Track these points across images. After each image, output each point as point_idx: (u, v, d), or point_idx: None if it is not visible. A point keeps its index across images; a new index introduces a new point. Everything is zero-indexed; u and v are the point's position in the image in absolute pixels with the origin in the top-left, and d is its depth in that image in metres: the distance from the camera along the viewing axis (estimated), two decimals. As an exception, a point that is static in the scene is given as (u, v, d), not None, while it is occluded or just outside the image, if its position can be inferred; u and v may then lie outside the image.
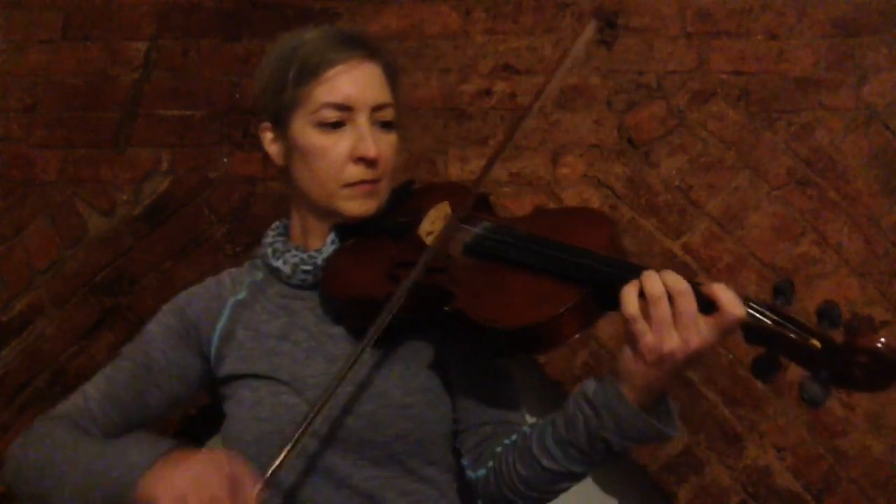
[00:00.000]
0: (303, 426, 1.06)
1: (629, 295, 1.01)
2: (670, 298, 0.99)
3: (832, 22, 2.01)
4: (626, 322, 1.01)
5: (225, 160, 2.23)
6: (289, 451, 1.06)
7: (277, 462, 1.05)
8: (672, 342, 0.99)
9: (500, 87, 2.12)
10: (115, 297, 2.23)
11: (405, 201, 1.32)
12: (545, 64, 2.12)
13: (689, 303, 0.98)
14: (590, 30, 1.23)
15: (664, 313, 0.99)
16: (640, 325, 1.00)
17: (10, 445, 1.23)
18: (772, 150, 2.01)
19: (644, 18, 2.09)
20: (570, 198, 2.06)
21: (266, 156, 1.30)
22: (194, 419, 2.13)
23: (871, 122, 1.98)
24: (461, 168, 2.10)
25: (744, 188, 2.02)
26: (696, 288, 0.99)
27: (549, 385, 2.05)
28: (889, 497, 1.91)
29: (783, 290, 0.98)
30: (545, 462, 1.11)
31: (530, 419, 1.25)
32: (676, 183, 2.05)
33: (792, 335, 0.94)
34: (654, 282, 1.00)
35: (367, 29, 2.17)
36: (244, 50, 2.24)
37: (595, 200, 2.07)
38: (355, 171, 1.22)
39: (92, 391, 1.27)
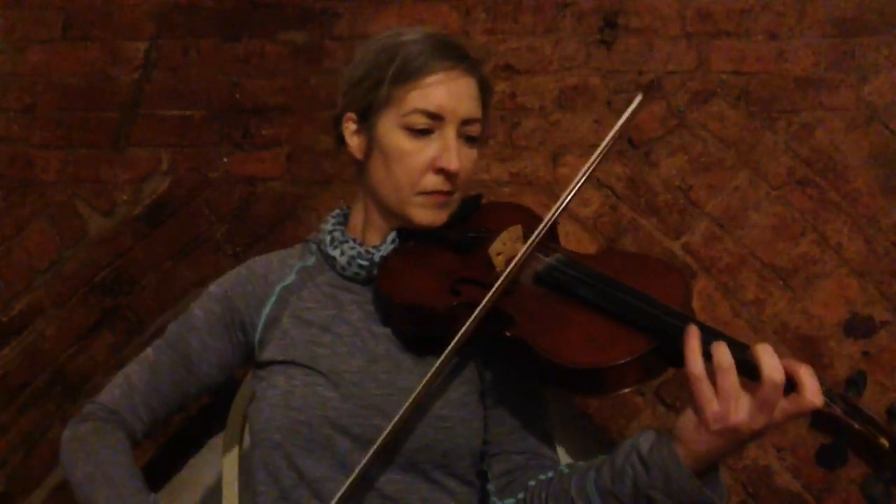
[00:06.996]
0: (370, 454, 1.10)
1: (694, 353, 0.97)
2: (762, 382, 0.94)
3: (832, 22, 2.01)
4: (690, 381, 0.98)
5: (225, 160, 2.23)
6: (354, 480, 1.11)
7: (342, 492, 1.10)
8: (740, 416, 0.95)
9: (500, 87, 2.12)
10: (115, 297, 2.23)
11: (471, 215, 1.30)
12: (545, 64, 2.12)
13: (776, 393, 0.94)
14: (636, 104, 1.21)
15: (730, 384, 0.95)
16: (705, 387, 0.96)
17: (65, 435, 1.28)
18: (772, 150, 2.01)
19: (644, 18, 2.09)
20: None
21: (340, 145, 1.31)
22: (194, 419, 2.13)
23: (871, 122, 1.98)
24: (461, 168, 2.09)
25: (744, 188, 2.02)
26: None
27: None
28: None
29: (856, 383, 0.96)
30: None
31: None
32: (676, 183, 2.05)
33: (861, 429, 0.92)
34: (723, 354, 0.95)
35: (367, 29, 2.17)
36: (244, 50, 2.24)
37: (595, 200, 2.06)
38: (433, 181, 1.22)
39: (137, 381, 1.30)
